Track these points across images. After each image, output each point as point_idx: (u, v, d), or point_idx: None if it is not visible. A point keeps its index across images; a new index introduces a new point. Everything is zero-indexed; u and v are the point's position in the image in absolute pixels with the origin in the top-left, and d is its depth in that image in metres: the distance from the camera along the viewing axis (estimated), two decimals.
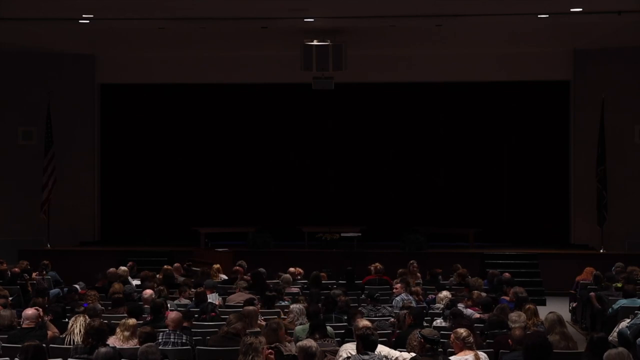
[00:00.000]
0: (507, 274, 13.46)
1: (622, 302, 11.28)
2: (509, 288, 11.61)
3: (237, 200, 20.48)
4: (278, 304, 11.10)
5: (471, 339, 7.50)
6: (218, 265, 14.54)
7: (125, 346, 8.15)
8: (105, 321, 8.65)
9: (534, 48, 18.86)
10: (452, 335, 7.67)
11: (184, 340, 8.45)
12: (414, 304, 10.69)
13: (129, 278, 13.30)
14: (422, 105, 20.40)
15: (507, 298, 11.07)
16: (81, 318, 8.57)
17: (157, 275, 13.21)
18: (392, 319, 10.06)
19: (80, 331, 8.30)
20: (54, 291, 12.90)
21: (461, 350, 7.48)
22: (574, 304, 14.38)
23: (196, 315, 10.02)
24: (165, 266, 13.86)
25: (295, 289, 12.71)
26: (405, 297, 11.28)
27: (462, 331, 7.57)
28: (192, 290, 11.78)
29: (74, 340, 8.30)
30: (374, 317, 10.07)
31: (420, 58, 19.37)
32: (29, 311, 8.92)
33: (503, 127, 20.25)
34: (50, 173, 18.84)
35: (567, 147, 19.79)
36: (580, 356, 7.91)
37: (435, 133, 20.54)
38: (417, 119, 20.47)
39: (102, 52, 19.92)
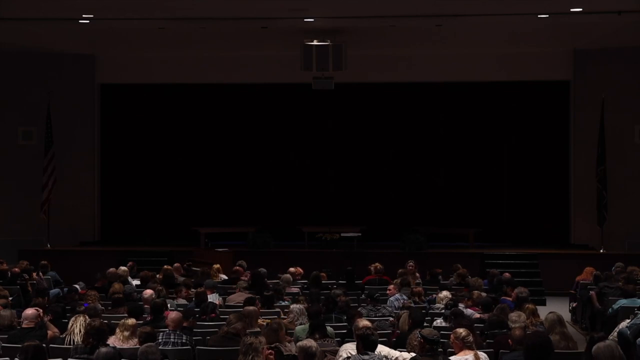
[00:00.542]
0: (507, 274, 13.46)
1: (622, 302, 11.28)
2: (510, 288, 11.61)
3: (237, 200, 20.49)
4: (278, 304, 11.09)
5: (471, 339, 7.51)
6: (218, 265, 14.54)
7: (125, 346, 8.15)
8: (105, 321, 8.64)
9: (534, 48, 18.86)
10: (452, 335, 7.67)
11: (184, 340, 8.45)
12: (412, 305, 10.68)
13: (129, 278, 13.30)
14: (422, 105, 20.41)
15: (509, 298, 11.07)
16: (81, 318, 8.57)
17: (157, 275, 13.21)
18: (392, 319, 10.06)
19: (80, 331, 8.31)
20: (54, 291, 12.90)
21: (461, 350, 7.48)
22: (574, 304, 14.38)
23: (197, 316, 10.01)
24: (165, 266, 13.86)
25: (295, 289, 12.71)
26: (399, 297, 11.28)
27: (462, 331, 7.57)
28: (192, 290, 11.78)
29: (74, 340, 8.30)
30: (374, 317, 10.06)
31: (420, 58, 19.37)
32: (29, 311, 8.92)
33: (503, 127, 20.26)
34: (50, 173, 18.84)
35: (567, 147, 19.79)
36: (580, 356, 7.92)
37: (435, 133, 20.54)
38: (417, 119, 20.47)
39: (102, 52, 19.93)
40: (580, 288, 13.97)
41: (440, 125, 20.55)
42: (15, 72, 19.71)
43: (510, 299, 10.92)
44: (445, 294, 11.11)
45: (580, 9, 15.14)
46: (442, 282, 13.74)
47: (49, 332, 8.81)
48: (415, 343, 7.69)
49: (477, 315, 10.26)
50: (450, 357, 7.48)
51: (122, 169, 20.73)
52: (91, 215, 20.37)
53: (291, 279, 13.00)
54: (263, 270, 13.29)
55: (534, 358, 7.02)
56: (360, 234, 18.10)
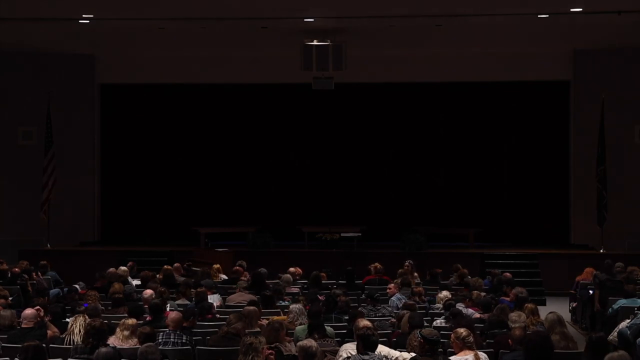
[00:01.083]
0: (507, 274, 13.46)
1: (622, 302, 11.28)
2: (509, 288, 11.61)
3: (237, 200, 20.49)
4: (278, 304, 11.09)
5: (471, 339, 7.50)
6: (218, 265, 14.55)
7: (125, 346, 8.15)
8: (105, 321, 8.64)
9: (534, 48, 18.86)
10: (452, 335, 7.67)
11: (184, 340, 8.44)
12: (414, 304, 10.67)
13: (129, 278, 13.29)
14: (422, 105, 20.41)
15: (507, 298, 11.07)
16: (81, 318, 8.57)
17: (157, 275, 13.20)
18: (392, 319, 10.06)
19: (80, 331, 8.31)
20: (54, 291, 12.90)
21: (461, 350, 7.48)
22: (574, 304, 14.38)
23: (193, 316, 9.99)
24: (165, 266, 13.86)
25: (295, 289, 12.71)
26: (401, 297, 11.28)
27: (462, 331, 7.57)
28: (192, 290, 11.77)
29: (74, 340, 8.30)
30: (374, 317, 10.06)
31: (420, 58, 19.36)
32: (28, 311, 8.92)
33: (503, 127, 20.26)
34: (50, 173, 18.83)
35: (567, 147, 19.80)
36: (580, 356, 7.91)
37: (435, 133, 20.55)
38: (417, 119, 20.48)
39: (102, 52, 19.93)
40: (580, 288, 13.96)
41: (440, 125, 20.56)
42: (15, 72, 19.72)
43: (509, 299, 10.92)
44: (445, 294, 11.11)
45: (580, 9, 15.14)
46: (442, 282, 13.74)
47: (49, 332, 8.81)
48: (415, 343, 7.69)
49: (477, 315, 10.26)
50: (450, 357, 7.48)
51: (122, 169, 20.73)
52: (91, 215, 20.37)
53: (291, 279, 12.99)
54: (263, 270, 13.29)
55: (534, 358, 7.02)
56: (360, 234, 18.10)
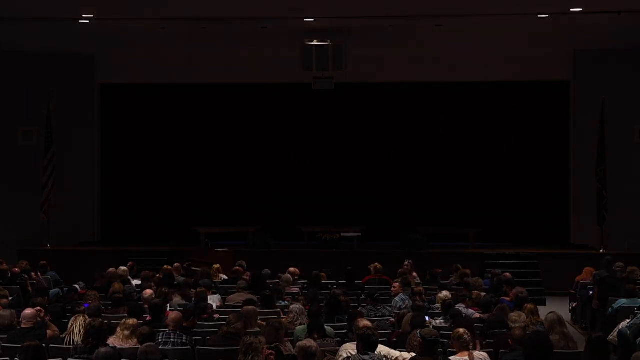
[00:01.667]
0: (507, 274, 13.46)
1: (622, 302, 11.28)
2: (509, 288, 11.61)
3: (237, 200, 20.49)
4: (278, 304, 11.09)
5: (466, 338, 7.50)
6: (218, 265, 14.55)
7: (125, 346, 8.15)
8: (105, 321, 8.64)
9: (534, 48, 18.85)
10: (452, 336, 7.68)
11: (184, 340, 8.44)
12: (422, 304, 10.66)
13: (129, 278, 13.29)
14: (422, 105, 20.41)
15: (508, 298, 11.07)
16: (81, 318, 8.57)
17: (157, 275, 13.20)
18: (392, 319, 10.06)
19: (80, 331, 8.31)
20: (54, 291, 12.90)
21: (460, 350, 7.49)
22: (574, 304, 14.38)
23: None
24: (165, 266, 13.85)
25: (295, 289, 12.71)
26: (404, 297, 11.27)
27: (459, 331, 7.58)
28: (192, 290, 11.76)
29: (73, 341, 8.30)
30: (374, 317, 10.06)
31: (421, 58, 19.35)
32: (28, 311, 8.92)
33: (503, 127, 20.26)
34: (50, 173, 18.84)
35: (567, 147, 19.80)
36: (580, 356, 7.91)
37: (435, 133, 20.54)
38: (417, 119, 20.47)
39: (102, 52, 19.91)
40: (580, 288, 13.96)
41: (440, 125, 20.55)
42: (15, 72, 19.72)
43: (509, 299, 10.92)
44: (445, 294, 11.10)
45: (580, 9, 15.14)
46: (442, 282, 13.73)
47: (49, 332, 8.81)
48: (415, 343, 7.69)
49: (477, 315, 10.26)
50: (450, 358, 7.49)
51: (122, 169, 20.74)
52: (91, 215, 20.37)
53: (291, 279, 12.99)
54: (266, 270, 13.29)
55: (534, 358, 7.02)
56: (360, 234, 18.10)
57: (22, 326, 8.79)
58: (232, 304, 11.35)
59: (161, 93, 20.64)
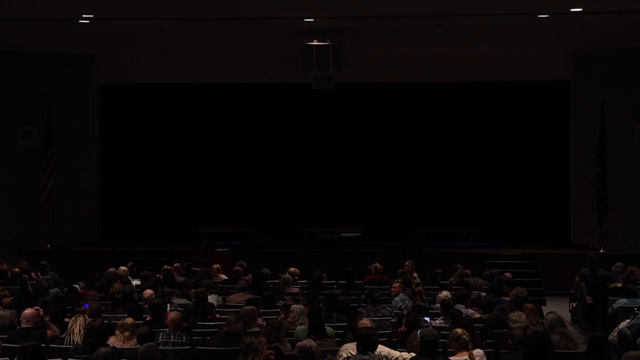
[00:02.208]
0: (507, 273, 13.45)
1: (622, 302, 11.28)
2: (509, 288, 11.61)
3: (237, 200, 20.50)
4: (278, 304, 11.08)
5: (465, 338, 7.50)
6: (218, 265, 14.55)
7: (126, 346, 8.15)
8: (105, 321, 8.64)
9: (534, 48, 18.86)
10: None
11: (184, 340, 8.44)
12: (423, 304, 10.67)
13: (129, 278, 13.29)
14: (422, 106, 20.41)
15: (508, 298, 11.06)
16: (81, 318, 8.57)
17: (157, 275, 13.20)
18: (392, 319, 10.06)
19: (80, 331, 8.30)
20: (54, 291, 12.90)
21: (459, 350, 7.49)
22: (574, 304, 14.37)
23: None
24: (165, 266, 13.85)
25: (295, 289, 12.71)
26: (404, 297, 11.27)
27: (457, 331, 7.58)
28: (192, 290, 11.77)
29: (73, 341, 8.30)
30: (374, 317, 10.06)
31: (420, 58, 19.35)
32: (27, 311, 8.91)
33: (503, 127, 20.25)
34: (50, 173, 18.84)
35: (567, 147, 19.80)
36: (580, 356, 7.91)
37: (435, 133, 20.52)
38: (417, 119, 20.47)
39: (102, 52, 19.91)
40: (580, 288, 13.94)
41: (440, 125, 20.53)
42: (15, 72, 19.73)
43: (509, 299, 10.92)
44: (445, 294, 11.09)
45: (580, 9, 15.14)
46: (442, 282, 13.73)
47: (49, 332, 8.81)
48: (415, 343, 7.69)
49: (477, 315, 10.26)
50: (449, 358, 7.49)
51: (122, 169, 20.74)
52: (91, 215, 20.37)
53: (291, 279, 12.99)
54: (266, 270, 13.29)
55: (534, 358, 7.02)
56: (360, 234, 18.10)
57: (22, 326, 8.78)
58: (232, 304, 11.35)
59: (161, 93, 20.64)
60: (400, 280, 12.21)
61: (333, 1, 15.09)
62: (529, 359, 7.06)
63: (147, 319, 9.56)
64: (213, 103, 20.72)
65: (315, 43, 16.84)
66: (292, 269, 13.71)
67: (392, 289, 11.91)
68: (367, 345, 7.10)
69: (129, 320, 8.54)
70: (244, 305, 9.83)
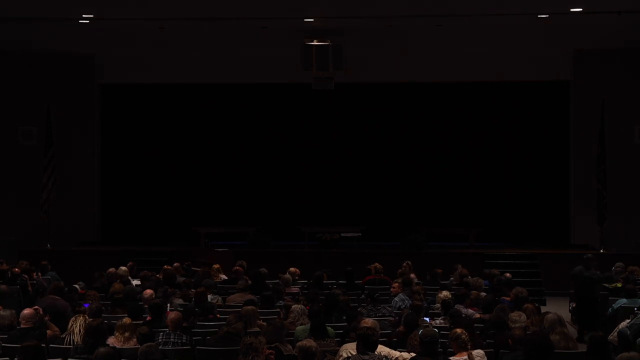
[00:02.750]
0: (507, 274, 13.45)
1: (622, 302, 11.28)
2: (509, 288, 11.60)
3: (237, 200, 20.50)
4: (278, 304, 11.08)
5: (464, 338, 7.50)
6: (218, 265, 14.54)
7: (125, 346, 8.15)
8: (105, 321, 8.64)
9: (534, 48, 18.85)
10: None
11: (184, 340, 8.44)
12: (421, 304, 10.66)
13: (129, 278, 13.29)
14: (422, 106, 20.41)
15: (507, 298, 11.06)
16: (81, 318, 8.57)
17: (157, 275, 13.20)
18: (392, 319, 10.06)
19: (80, 331, 8.31)
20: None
21: (459, 350, 7.49)
22: (574, 304, 14.35)
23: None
24: (165, 266, 13.85)
25: (295, 289, 12.71)
26: (404, 297, 11.27)
27: (458, 331, 7.58)
28: (192, 290, 11.76)
29: (73, 341, 8.30)
30: (374, 317, 10.05)
31: (420, 58, 19.34)
32: (27, 311, 8.92)
33: (503, 127, 20.25)
34: (50, 173, 18.84)
35: (567, 147, 19.80)
36: (579, 356, 7.91)
37: (435, 133, 20.51)
38: (416, 119, 20.47)
39: (102, 52, 19.91)
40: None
41: (440, 125, 20.52)
42: (15, 72, 19.72)
43: (509, 298, 10.92)
44: (445, 293, 11.10)
45: (580, 9, 15.15)
46: (442, 282, 13.73)
47: (49, 332, 8.81)
48: (415, 343, 7.69)
49: (477, 315, 10.26)
50: (449, 358, 7.49)
51: (122, 169, 20.74)
52: (91, 215, 20.37)
53: (291, 279, 12.99)
54: (264, 270, 13.29)
55: (534, 358, 7.02)
56: (360, 234, 18.09)
57: (22, 326, 8.78)
58: (232, 304, 11.35)
59: (161, 93, 20.64)
60: (400, 280, 12.21)
61: (333, 1, 15.10)
62: (529, 359, 7.06)
63: (147, 319, 9.56)
64: (213, 103, 20.72)
65: (315, 43, 16.85)
66: (292, 269, 13.71)
67: (392, 289, 11.91)
68: (367, 345, 7.10)
69: (128, 320, 8.55)
70: (243, 305, 9.83)
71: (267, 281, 12.79)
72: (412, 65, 19.49)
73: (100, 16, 15.83)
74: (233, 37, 17.94)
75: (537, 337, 7.35)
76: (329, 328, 8.80)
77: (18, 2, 14.89)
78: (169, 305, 10.60)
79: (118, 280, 12.48)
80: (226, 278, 13.99)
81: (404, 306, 10.84)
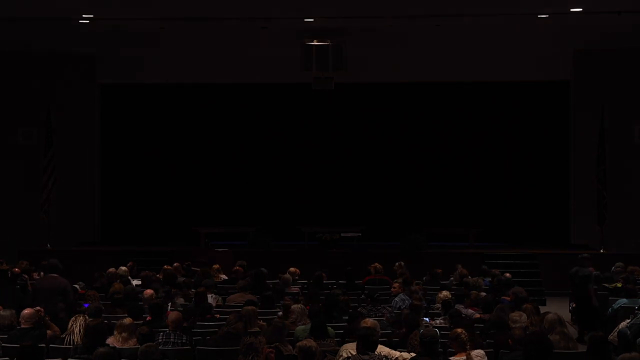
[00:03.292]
0: (507, 274, 13.45)
1: (622, 302, 11.28)
2: (509, 288, 11.60)
3: (237, 200, 20.50)
4: (278, 304, 11.08)
5: (463, 338, 7.50)
6: (218, 265, 14.54)
7: (125, 346, 8.15)
8: (105, 321, 8.64)
9: (534, 48, 18.85)
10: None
11: (184, 340, 8.45)
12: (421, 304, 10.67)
13: (129, 278, 13.29)
14: (422, 106, 20.41)
15: (508, 298, 11.06)
16: (81, 318, 8.57)
17: (157, 275, 13.20)
18: (388, 316, 10.05)
19: (80, 331, 8.31)
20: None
21: (459, 350, 7.49)
22: (574, 304, 14.35)
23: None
24: (165, 266, 13.85)
25: (295, 289, 12.71)
26: (404, 297, 11.27)
27: (457, 331, 7.58)
28: (192, 290, 11.76)
29: (73, 341, 8.30)
30: (374, 317, 10.05)
31: (420, 58, 19.33)
32: (26, 311, 8.92)
33: (503, 127, 20.25)
34: (50, 173, 18.83)
35: (567, 147, 19.80)
36: (579, 356, 7.91)
37: (436, 133, 20.52)
38: (416, 119, 20.47)
39: (102, 52, 19.91)
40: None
41: (440, 125, 20.52)
42: (15, 72, 19.72)
43: (509, 298, 10.92)
44: (445, 293, 11.10)
45: (580, 9, 15.15)
46: (442, 282, 13.73)
47: (49, 332, 8.81)
48: (415, 343, 7.69)
49: (477, 315, 10.26)
50: (449, 358, 7.49)
51: (122, 169, 20.74)
52: (91, 215, 20.37)
53: (291, 279, 12.99)
54: (264, 270, 13.28)
55: (534, 358, 7.02)
56: (360, 234, 18.09)
57: (22, 326, 8.78)
58: (232, 304, 11.35)
59: (161, 93, 20.65)
60: (400, 280, 12.21)
61: (333, 1, 15.10)
62: (528, 359, 7.06)
63: (147, 319, 9.56)
64: (213, 103, 20.71)
65: (315, 43, 16.87)
66: (292, 269, 13.70)
67: (392, 289, 11.91)
68: (367, 345, 7.10)
69: (127, 320, 8.55)
70: (243, 305, 9.83)
71: (267, 281, 12.79)
72: (412, 65, 19.48)
73: (100, 16, 15.84)
74: (233, 37, 17.94)
75: (537, 337, 7.34)
76: (329, 328, 8.80)
77: (18, 2, 14.88)
78: (169, 305, 10.60)
79: (118, 280, 12.48)
80: (226, 278, 13.99)
81: (404, 306, 10.85)
